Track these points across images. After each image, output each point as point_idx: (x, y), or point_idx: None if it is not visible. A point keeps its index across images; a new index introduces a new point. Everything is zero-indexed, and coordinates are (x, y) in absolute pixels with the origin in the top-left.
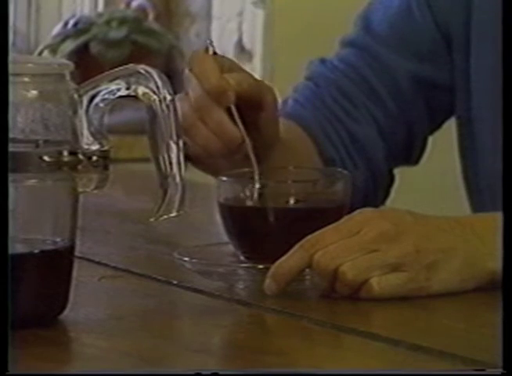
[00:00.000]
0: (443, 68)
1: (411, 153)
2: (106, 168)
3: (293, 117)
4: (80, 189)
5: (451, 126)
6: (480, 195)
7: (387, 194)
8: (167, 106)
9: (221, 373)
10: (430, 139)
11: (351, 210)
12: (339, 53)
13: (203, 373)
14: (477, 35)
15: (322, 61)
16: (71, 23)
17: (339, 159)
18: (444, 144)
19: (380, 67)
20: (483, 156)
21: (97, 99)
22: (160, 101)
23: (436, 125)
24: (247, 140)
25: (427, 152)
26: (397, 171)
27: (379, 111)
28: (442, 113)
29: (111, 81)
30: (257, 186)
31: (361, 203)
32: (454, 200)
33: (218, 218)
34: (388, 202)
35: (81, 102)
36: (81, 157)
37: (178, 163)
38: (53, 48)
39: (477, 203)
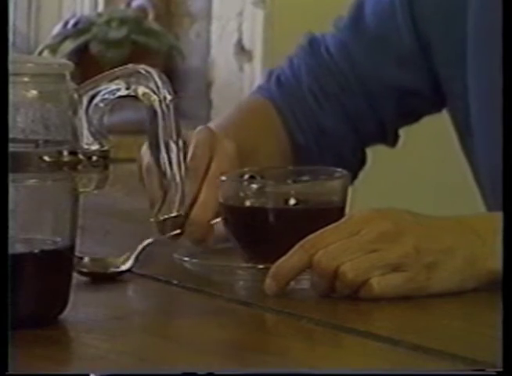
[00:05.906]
0: (418, 74)
1: (383, 142)
2: (106, 167)
3: (269, 96)
4: (80, 189)
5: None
6: (481, 191)
7: (354, 177)
8: (167, 106)
9: (221, 373)
10: (431, 139)
11: None
12: (328, 35)
13: (203, 373)
14: (475, 39)
15: (311, 42)
16: (71, 23)
17: (305, 145)
18: (445, 141)
19: (357, 65)
20: (482, 154)
21: (97, 99)
22: (160, 101)
23: (408, 124)
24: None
25: (426, 152)
26: (397, 171)
27: (351, 104)
28: (413, 116)
29: (111, 81)
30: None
31: None
32: (455, 199)
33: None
34: (388, 202)
35: (81, 102)
36: (81, 156)
37: (178, 163)
38: (53, 48)
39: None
